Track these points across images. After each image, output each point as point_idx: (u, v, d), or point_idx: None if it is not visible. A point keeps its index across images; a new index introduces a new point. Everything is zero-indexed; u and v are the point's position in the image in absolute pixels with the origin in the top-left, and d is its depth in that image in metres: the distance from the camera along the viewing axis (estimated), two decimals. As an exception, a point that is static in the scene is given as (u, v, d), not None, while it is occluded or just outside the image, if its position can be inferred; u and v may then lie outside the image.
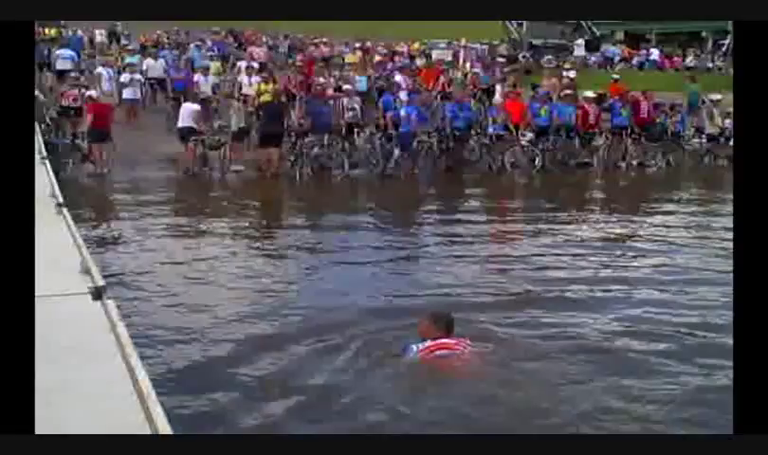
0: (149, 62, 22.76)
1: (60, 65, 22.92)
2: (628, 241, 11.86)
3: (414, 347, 6.13)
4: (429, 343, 6.12)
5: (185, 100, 17.73)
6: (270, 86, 19.11)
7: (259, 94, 19.02)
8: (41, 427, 2.69)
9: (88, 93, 17.61)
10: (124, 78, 20.90)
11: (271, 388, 5.91)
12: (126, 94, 20.73)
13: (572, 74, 25.51)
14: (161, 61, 22.80)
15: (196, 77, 20.68)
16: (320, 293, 8.67)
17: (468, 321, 7.06)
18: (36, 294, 3.73)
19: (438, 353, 6.07)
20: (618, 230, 12.62)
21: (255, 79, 20.20)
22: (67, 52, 23.73)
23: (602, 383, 6.01)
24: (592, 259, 10.37)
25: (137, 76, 21.18)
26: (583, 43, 33.90)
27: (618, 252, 10.98)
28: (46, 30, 30.09)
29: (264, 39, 31.49)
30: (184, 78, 20.92)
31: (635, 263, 10.36)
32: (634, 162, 19.51)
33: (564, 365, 6.39)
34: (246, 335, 7.14)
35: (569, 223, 13.06)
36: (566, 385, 6.00)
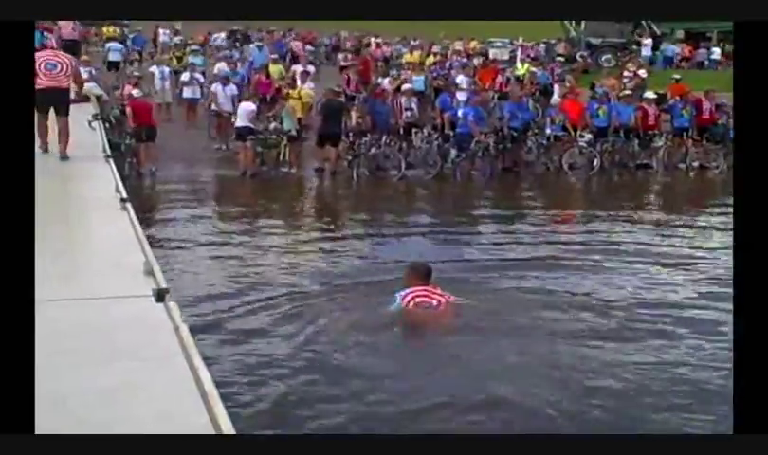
0: (220, 65, 22.31)
1: (111, 57, 24.57)
2: (677, 246, 11.68)
3: (398, 296, 7.33)
4: (409, 291, 7.34)
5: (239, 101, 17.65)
6: (295, 91, 18.33)
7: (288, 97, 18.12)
8: (104, 428, 2.75)
9: (128, 91, 17.26)
10: (185, 77, 21.11)
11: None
12: (186, 93, 20.96)
13: (642, 73, 25.10)
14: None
15: (213, 87, 19.11)
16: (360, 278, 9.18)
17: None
18: (101, 295, 3.81)
19: (417, 300, 7.29)
20: (670, 234, 12.48)
21: (309, 85, 19.68)
22: (117, 44, 25.52)
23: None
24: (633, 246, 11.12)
25: (198, 75, 21.31)
26: (651, 42, 33.16)
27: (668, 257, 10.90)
28: (105, 29, 30.55)
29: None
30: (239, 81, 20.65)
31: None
32: (695, 164, 19.11)
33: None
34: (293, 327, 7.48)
35: (622, 223, 13.05)
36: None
